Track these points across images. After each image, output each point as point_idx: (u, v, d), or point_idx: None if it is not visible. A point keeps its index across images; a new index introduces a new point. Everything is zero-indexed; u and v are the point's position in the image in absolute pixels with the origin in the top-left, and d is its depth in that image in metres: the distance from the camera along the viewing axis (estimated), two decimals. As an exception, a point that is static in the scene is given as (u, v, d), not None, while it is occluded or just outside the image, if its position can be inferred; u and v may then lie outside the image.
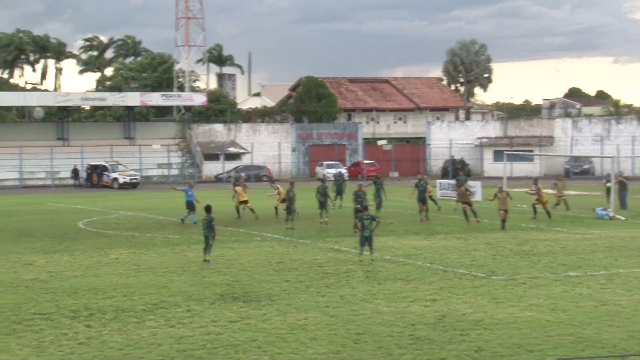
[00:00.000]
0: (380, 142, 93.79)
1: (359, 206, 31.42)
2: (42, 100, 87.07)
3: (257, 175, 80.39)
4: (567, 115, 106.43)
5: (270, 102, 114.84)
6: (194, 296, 19.02)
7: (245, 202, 38.25)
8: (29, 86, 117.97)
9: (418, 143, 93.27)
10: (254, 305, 18.00)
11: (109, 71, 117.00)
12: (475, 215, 34.45)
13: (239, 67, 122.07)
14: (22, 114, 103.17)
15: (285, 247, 27.62)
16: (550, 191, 43.89)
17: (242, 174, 66.42)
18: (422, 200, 36.21)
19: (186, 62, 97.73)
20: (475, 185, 48.58)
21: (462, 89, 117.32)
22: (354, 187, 43.82)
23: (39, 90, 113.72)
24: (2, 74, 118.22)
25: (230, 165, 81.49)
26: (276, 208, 38.60)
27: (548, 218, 35.49)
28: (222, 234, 29.94)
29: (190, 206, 36.07)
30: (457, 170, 67.93)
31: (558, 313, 17.05)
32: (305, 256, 25.41)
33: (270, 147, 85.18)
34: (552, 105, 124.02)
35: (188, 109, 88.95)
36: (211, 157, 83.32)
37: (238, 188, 38.82)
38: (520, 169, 77.34)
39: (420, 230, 32.46)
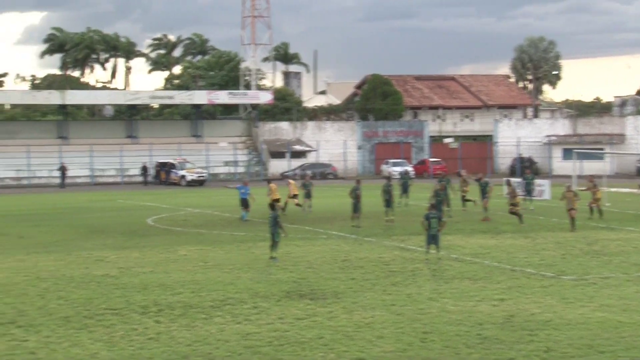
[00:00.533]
0: (446, 140, 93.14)
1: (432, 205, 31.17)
2: (112, 99, 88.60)
3: (323, 173, 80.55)
4: (639, 112, 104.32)
5: (335, 100, 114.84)
6: (260, 293, 19.13)
7: (277, 200, 38.34)
8: (99, 85, 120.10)
9: (485, 141, 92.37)
10: (320, 302, 18.03)
11: (177, 70, 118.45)
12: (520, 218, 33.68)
13: (305, 65, 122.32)
14: (93, 112, 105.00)
15: (351, 245, 27.62)
16: (627, 190, 42.98)
17: (308, 172, 66.59)
18: (484, 199, 36.08)
19: (252, 60, 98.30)
20: (543, 184, 48.03)
21: (530, 86, 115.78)
22: (420, 185, 43.70)
23: (109, 88, 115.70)
24: (73, 72, 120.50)
25: (296, 163, 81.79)
26: (286, 203, 39.07)
27: (589, 215, 34.93)
28: (287, 232, 30.02)
29: (244, 203, 36.53)
30: (524, 168, 67.14)
31: (631, 314, 16.72)
32: (371, 254, 25.38)
33: (336, 145, 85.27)
34: (623, 103, 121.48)
35: (254, 107, 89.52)
36: (277, 154, 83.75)
37: (272, 185, 38.80)
38: (590, 167, 75.77)
39: (488, 229, 32.15)
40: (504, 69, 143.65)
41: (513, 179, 41.80)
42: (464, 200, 39.75)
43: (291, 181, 40.29)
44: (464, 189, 40.28)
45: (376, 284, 20.17)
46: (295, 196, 39.51)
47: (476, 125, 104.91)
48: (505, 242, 28.31)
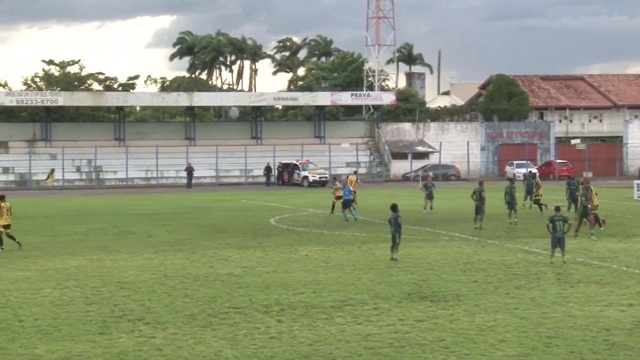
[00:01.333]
0: (573, 141, 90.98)
1: (587, 204, 30.30)
2: (238, 100, 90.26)
3: (445, 174, 79.92)
4: None
5: (459, 101, 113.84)
6: (381, 294, 19.11)
7: (340, 197, 39.11)
8: (225, 87, 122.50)
9: (614, 142, 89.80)
10: (441, 305, 17.90)
11: (301, 71, 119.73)
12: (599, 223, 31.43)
13: (429, 66, 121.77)
14: (219, 113, 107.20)
15: (473, 247, 27.29)
16: None
17: (430, 173, 66.23)
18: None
19: (376, 61, 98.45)
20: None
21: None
22: (545, 187, 42.75)
23: (235, 90, 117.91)
24: (200, 74, 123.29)
25: (418, 164, 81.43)
26: (333, 204, 39.55)
27: None
28: (409, 233, 29.97)
29: (347, 205, 37.12)
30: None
31: None
32: (494, 257, 25.02)
33: (459, 146, 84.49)
34: None
35: (377, 108, 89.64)
36: (399, 155, 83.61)
37: (338, 184, 40.26)
38: None
39: (616, 232, 31.21)
40: (636, 68, 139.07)
41: None
42: (538, 204, 39.26)
43: (338, 183, 40.66)
44: (538, 192, 39.76)
45: (499, 287, 19.88)
46: (339, 198, 39.61)
47: (605, 126, 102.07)
48: (634, 245, 27.44)
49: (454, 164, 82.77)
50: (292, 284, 20.56)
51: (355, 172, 47.67)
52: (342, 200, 37.85)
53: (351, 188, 38.45)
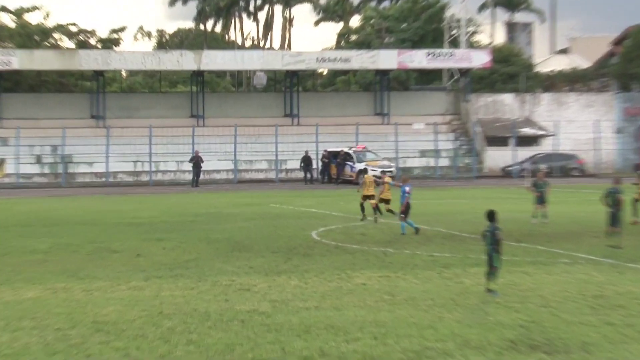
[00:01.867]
0: None
1: None
2: (266, 62, 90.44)
3: (564, 167, 79.45)
4: None
5: (583, 63, 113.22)
6: (472, 342, 18.86)
7: (371, 197, 41.26)
8: (247, 43, 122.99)
9: None
10: (560, 357, 17.63)
11: (355, 21, 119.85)
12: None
13: (538, 12, 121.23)
14: (239, 81, 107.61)
15: (607, 274, 26.97)
16: None
17: (543, 166, 65.82)
18: None
19: (462, 6, 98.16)
20: None
21: None
22: None
23: (261, 48, 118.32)
24: (214, 26, 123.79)
25: (525, 153, 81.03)
26: (376, 206, 41.51)
27: None
28: (512, 253, 29.70)
29: (408, 209, 37.52)
30: None
31: None
32: (637, 288, 24.67)
33: (583, 127, 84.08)
34: None
35: (464, 72, 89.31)
36: (496, 141, 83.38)
37: (368, 177, 42.86)
38: None
39: None
40: None
41: None
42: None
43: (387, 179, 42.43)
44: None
45: (645, 333, 19.55)
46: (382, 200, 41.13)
47: None
48: None
49: (576, 153, 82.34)
50: (343, 325, 20.36)
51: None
52: (372, 200, 41.01)
53: (407, 189, 38.24)
